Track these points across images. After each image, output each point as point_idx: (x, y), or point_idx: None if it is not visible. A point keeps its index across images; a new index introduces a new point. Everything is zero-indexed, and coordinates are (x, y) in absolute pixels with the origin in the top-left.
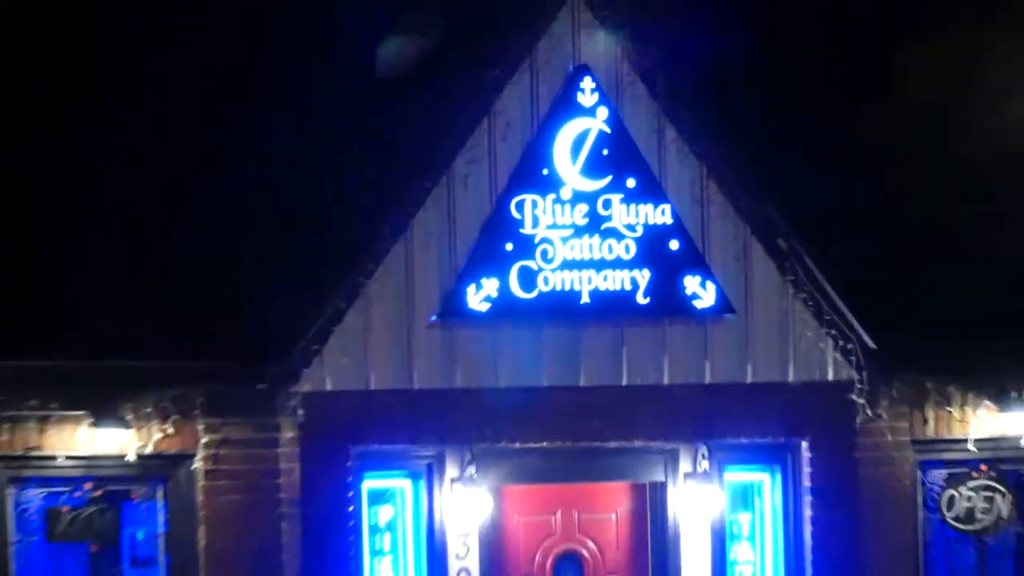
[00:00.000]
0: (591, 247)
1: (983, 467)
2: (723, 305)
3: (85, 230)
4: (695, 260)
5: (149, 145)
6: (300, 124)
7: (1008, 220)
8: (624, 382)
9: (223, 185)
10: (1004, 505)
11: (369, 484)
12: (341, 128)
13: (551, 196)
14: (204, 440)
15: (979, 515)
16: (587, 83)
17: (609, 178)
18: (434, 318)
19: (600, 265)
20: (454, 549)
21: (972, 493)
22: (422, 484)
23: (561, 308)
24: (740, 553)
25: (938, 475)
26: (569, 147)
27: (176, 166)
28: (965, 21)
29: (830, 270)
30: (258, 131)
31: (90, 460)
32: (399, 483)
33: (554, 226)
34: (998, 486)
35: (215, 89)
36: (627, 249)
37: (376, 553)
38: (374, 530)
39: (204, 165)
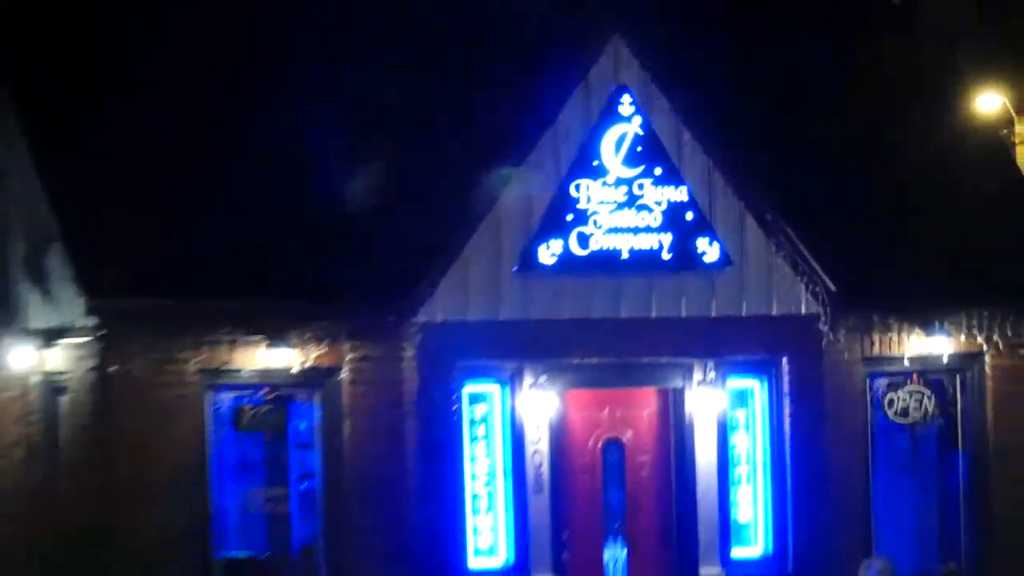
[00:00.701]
0: (629, 218)
1: (915, 377)
2: (724, 260)
3: (278, 217)
4: (704, 227)
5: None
6: (425, 127)
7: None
8: (653, 315)
9: (368, 176)
10: (929, 405)
11: (468, 389)
12: (447, 134)
13: (600, 180)
14: (348, 357)
15: (911, 412)
16: (626, 99)
17: (642, 167)
18: (515, 269)
19: (635, 231)
20: (530, 436)
21: (907, 396)
22: (507, 388)
23: (607, 262)
24: (738, 439)
25: (882, 383)
26: (613, 145)
27: (338, 159)
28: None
29: (803, 234)
30: (403, 132)
31: (266, 372)
32: (491, 388)
33: (602, 202)
34: (925, 391)
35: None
36: (655, 219)
37: (473, 439)
38: (472, 422)
39: (354, 165)
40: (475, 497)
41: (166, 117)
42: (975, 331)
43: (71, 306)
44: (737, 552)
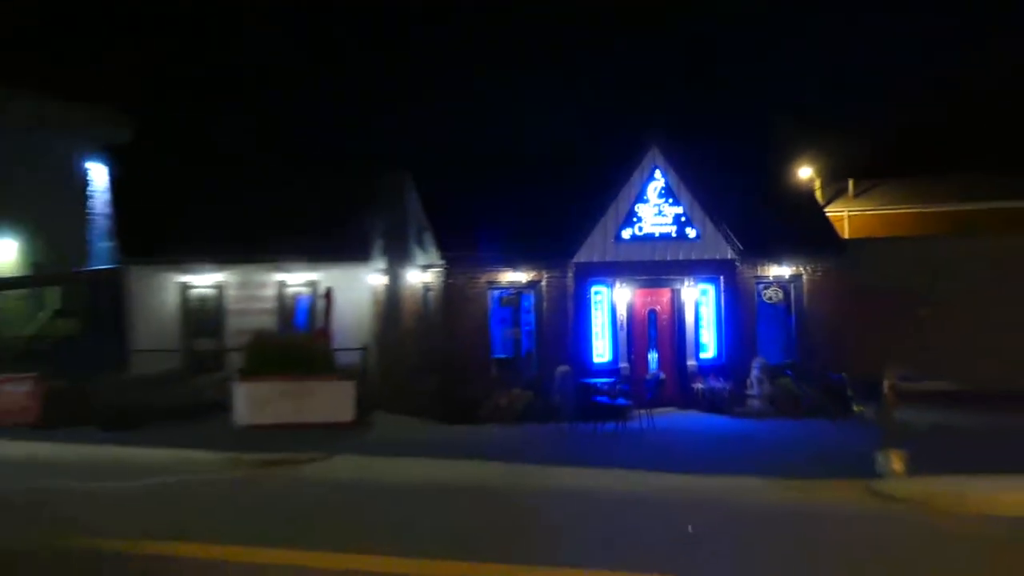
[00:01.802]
0: (658, 220)
1: (775, 284)
2: (698, 236)
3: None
4: (689, 223)
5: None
6: (576, 181)
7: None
8: (668, 259)
9: (554, 200)
10: (781, 295)
11: (593, 289)
12: (585, 184)
13: (646, 204)
14: (544, 276)
15: (773, 298)
16: (658, 172)
17: (664, 198)
18: (612, 240)
19: (661, 226)
20: (619, 308)
21: (771, 292)
22: (610, 288)
23: (649, 238)
24: (703, 310)
25: (762, 287)
26: (651, 190)
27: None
28: None
29: (731, 226)
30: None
31: (511, 282)
32: (602, 288)
33: (647, 213)
34: (779, 289)
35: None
36: (669, 220)
37: (596, 310)
38: (595, 303)
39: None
40: (596, 333)
41: (470, 170)
42: (799, 265)
43: (434, 255)
44: (702, 355)
